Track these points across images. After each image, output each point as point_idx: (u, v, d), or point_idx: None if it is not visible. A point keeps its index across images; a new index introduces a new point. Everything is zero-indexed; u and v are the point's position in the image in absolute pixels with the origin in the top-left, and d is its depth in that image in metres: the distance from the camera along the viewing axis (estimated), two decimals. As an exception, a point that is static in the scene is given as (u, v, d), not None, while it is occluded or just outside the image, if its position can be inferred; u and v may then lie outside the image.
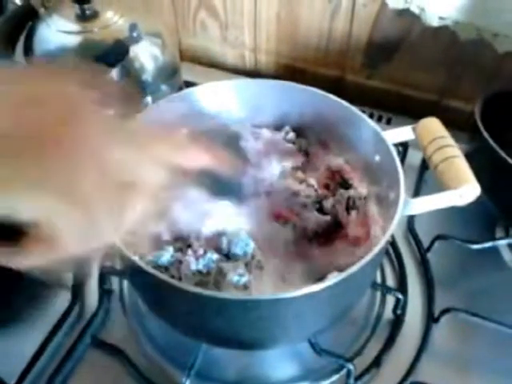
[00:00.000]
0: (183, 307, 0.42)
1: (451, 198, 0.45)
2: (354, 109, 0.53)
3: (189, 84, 0.74)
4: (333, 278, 0.38)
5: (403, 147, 0.70)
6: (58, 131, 0.29)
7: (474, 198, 0.45)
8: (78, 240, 0.30)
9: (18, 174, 0.28)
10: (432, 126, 0.51)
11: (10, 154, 0.28)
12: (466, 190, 0.44)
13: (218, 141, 0.45)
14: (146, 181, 0.32)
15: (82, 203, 0.29)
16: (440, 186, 0.46)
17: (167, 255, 0.45)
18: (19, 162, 0.28)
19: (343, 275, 0.38)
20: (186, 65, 0.87)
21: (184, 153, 0.35)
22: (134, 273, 0.44)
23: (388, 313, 0.56)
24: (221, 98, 0.58)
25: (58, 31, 0.63)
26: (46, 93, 0.30)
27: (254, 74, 0.91)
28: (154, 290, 0.43)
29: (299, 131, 0.58)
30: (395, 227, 0.42)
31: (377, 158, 0.52)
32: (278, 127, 0.58)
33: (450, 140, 0.49)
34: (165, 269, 0.45)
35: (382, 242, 0.41)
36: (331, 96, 0.55)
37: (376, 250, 0.40)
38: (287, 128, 0.58)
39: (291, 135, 0.57)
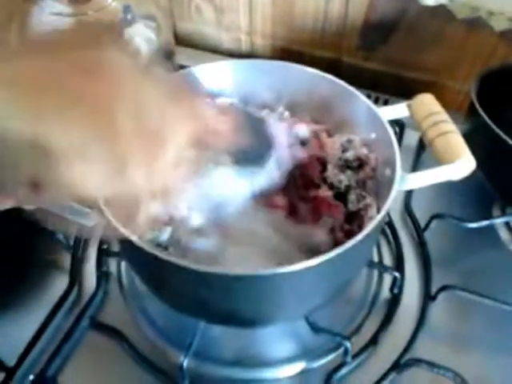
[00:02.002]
0: (181, 284, 0.42)
1: (447, 172, 0.45)
2: (348, 86, 0.53)
3: (183, 68, 0.74)
4: (329, 253, 0.38)
5: (400, 127, 0.70)
6: (99, 69, 0.30)
7: (469, 172, 0.45)
8: (102, 177, 0.30)
9: (56, 100, 0.29)
10: (427, 102, 0.51)
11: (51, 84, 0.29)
12: (461, 163, 0.44)
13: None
14: (178, 134, 0.33)
15: (114, 137, 0.29)
16: (436, 162, 0.46)
17: (166, 235, 0.45)
18: (59, 92, 0.29)
19: (339, 250, 0.38)
20: (181, 49, 0.87)
21: (218, 122, 0.37)
22: (132, 252, 0.44)
23: (385, 291, 0.56)
24: (215, 79, 0.58)
25: (51, 14, 0.62)
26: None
27: (249, 57, 0.90)
28: (153, 268, 0.43)
29: (294, 111, 0.58)
30: (392, 205, 0.42)
31: (373, 135, 0.52)
32: (272, 107, 0.58)
33: (444, 115, 0.48)
34: (164, 248, 0.45)
35: (378, 217, 0.41)
36: (325, 74, 0.55)
37: (372, 224, 0.40)
38: (281, 108, 0.58)
39: (286, 115, 0.57)
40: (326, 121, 0.56)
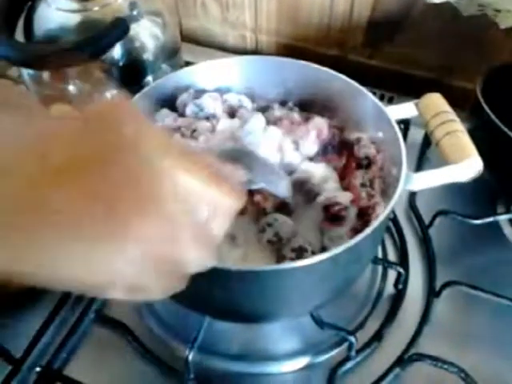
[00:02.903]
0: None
1: (453, 172, 0.45)
2: (357, 84, 0.53)
3: (189, 64, 0.74)
4: (332, 251, 0.38)
5: (405, 125, 0.69)
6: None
7: (476, 173, 0.45)
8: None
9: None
10: (435, 101, 0.51)
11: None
12: (468, 164, 0.44)
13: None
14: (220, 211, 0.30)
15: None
16: (442, 162, 0.46)
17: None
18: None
19: (343, 247, 0.38)
20: (187, 45, 0.87)
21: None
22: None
23: (389, 287, 0.56)
24: (224, 75, 0.58)
25: (57, 10, 0.62)
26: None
27: (254, 54, 0.90)
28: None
29: (303, 107, 0.58)
30: (396, 202, 0.42)
31: (380, 134, 0.52)
32: (281, 103, 0.58)
33: (452, 115, 0.48)
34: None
35: (383, 215, 0.41)
36: (334, 72, 0.55)
37: (377, 222, 0.40)
38: (291, 104, 0.58)
39: (296, 110, 0.57)
40: (334, 118, 0.56)
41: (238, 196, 0.30)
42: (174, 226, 0.26)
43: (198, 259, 0.29)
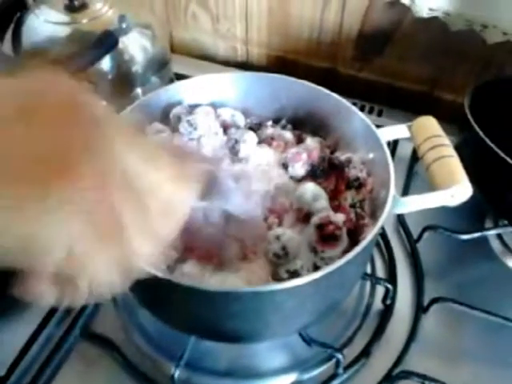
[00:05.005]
0: (169, 299, 0.42)
1: (442, 197, 0.45)
2: (348, 104, 0.53)
3: (179, 76, 0.74)
4: (311, 275, 0.38)
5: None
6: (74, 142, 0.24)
7: (465, 199, 0.45)
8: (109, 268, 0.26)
9: (31, 196, 0.23)
10: (427, 124, 0.50)
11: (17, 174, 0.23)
12: (458, 190, 0.44)
13: None
14: (176, 200, 0.29)
15: (112, 227, 0.25)
16: (432, 185, 0.46)
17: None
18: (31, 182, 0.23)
19: (328, 269, 0.38)
20: (177, 57, 0.87)
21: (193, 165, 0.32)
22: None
23: (377, 303, 0.56)
24: (216, 91, 0.58)
25: (46, 22, 0.62)
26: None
27: (245, 66, 0.91)
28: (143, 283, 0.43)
29: (296, 125, 0.58)
30: (383, 223, 0.42)
31: (370, 155, 0.51)
32: (275, 120, 0.58)
33: (444, 139, 0.48)
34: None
35: (367, 239, 0.41)
36: (326, 90, 0.55)
37: (362, 245, 0.40)
38: (284, 122, 0.58)
39: (289, 128, 0.57)
40: (326, 137, 0.56)
41: (190, 192, 0.29)
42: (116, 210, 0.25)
43: (143, 251, 0.27)
